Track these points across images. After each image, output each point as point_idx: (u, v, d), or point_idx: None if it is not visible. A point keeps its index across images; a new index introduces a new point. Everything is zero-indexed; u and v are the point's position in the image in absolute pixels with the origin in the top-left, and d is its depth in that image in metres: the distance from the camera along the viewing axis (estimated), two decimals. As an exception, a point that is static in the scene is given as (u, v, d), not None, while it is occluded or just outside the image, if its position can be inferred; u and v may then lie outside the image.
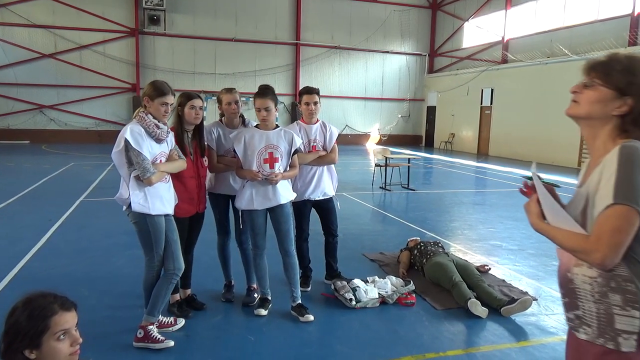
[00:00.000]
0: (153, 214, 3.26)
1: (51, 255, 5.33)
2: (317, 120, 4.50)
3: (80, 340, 1.63)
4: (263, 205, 3.80)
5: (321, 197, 4.46)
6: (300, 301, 3.95)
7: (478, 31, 22.25)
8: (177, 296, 3.96)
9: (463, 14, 23.28)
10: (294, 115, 23.21)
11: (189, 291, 4.06)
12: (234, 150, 3.79)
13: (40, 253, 5.38)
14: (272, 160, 3.80)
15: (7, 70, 20.01)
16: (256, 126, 3.90)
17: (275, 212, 3.87)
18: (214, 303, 4.13)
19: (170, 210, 3.43)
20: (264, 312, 3.92)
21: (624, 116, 1.52)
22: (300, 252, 4.45)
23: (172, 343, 3.34)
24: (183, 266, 3.49)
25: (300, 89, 4.53)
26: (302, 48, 23.65)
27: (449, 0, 24.22)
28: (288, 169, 3.91)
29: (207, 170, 3.98)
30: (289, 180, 4.00)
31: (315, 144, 4.43)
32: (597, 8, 16.19)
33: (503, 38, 20.47)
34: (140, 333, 3.33)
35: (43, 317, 1.54)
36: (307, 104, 4.41)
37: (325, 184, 4.46)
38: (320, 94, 4.56)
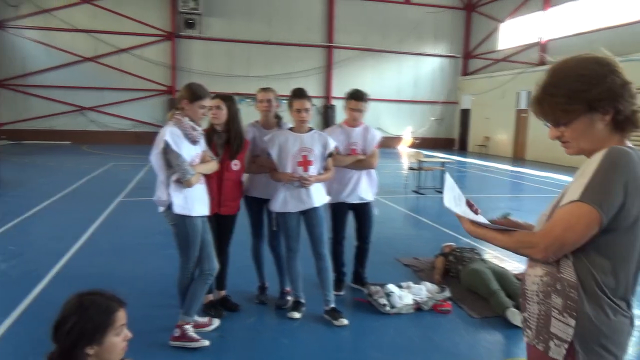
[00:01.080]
0: (193, 215, 3.32)
1: (91, 253, 5.48)
2: (361, 124, 4.46)
3: (130, 335, 1.69)
4: (297, 208, 3.81)
5: (357, 201, 4.40)
6: (334, 305, 3.93)
7: (514, 32, 21.76)
8: (210, 296, 4.01)
9: (499, 15, 22.81)
10: (326, 117, 23.24)
11: (223, 292, 4.10)
12: (268, 154, 3.82)
13: (80, 251, 5.54)
14: (306, 163, 3.81)
15: (51, 73, 20.79)
16: (290, 129, 3.92)
17: (308, 215, 3.88)
18: (248, 305, 4.16)
19: (207, 211, 3.48)
20: (297, 315, 3.92)
21: (615, 118, 1.46)
22: (335, 255, 4.43)
23: (207, 342, 3.38)
24: (217, 266, 3.53)
25: (348, 92, 4.46)
26: (335, 50, 23.67)
27: (485, 1, 23.79)
28: (322, 172, 3.92)
29: (240, 173, 3.97)
30: (323, 183, 3.99)
31: (355, 147, 4.38)
32: (642, 8, 15.59)
33: (541, 39, 19.96)
34: (177, 332, 3.38)
35: (109, 313, 1.61)
36: (355, 110, 4.36)
37: (362, 188, 4.40)
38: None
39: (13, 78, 20.61)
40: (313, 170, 3.83)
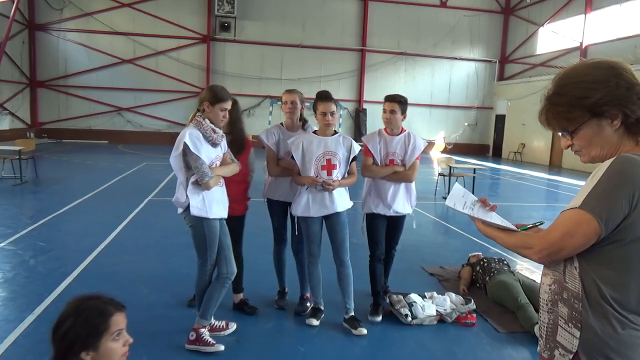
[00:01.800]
0: (210, 217, 3.30)
1: (117, 251, 5.56)
2: (403, 131, 4.07)
3: (131, 340, 1.66)
4: (319, 213, 3.74)
5: (393, 214, 4.04)
6: (353, 313, 3.84)
7: (554, 37, 21.12)
8: (240, 296, 4.03)
9: (538, 19, 22.20)
10: (357, 121, 23.11)
11: (241, 295, 4.07)
12: (292, 157, 3.77)
13: (107, 249, 5.63)
14: (330, 167, 3.74)
15: (90, 75, 21.48)
16: (314, 132, 3.85)
17: (331, 220, 3.80)
18: (267, 309, 4.11)
19: (225, 213, 3.44)
20: (315, 322, 3.84)
21: (625, 122, 1.39)
22: (373, 274, 4.09)
23: (222, 347, 3.34)
24: (235, 270, 3.50)
25: (385, 96, 4.03)
26: (368, 54, 23.54)
27: (523, 5, 23.18)
28: (346, 175, 3.84)
29: (242, 174, 3.89)
30: (346, 188, 3.91)
31: (393, 157, 4.00)
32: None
33: (581, 44, 19.29)
34: (192, 335, 3.35)
35: (104, 318, 1.57)
36: (391, 111, 3.95)
37: (399, 202, 4.02)
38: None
39: (55, 79, 21.40)
40: (337, 174, 3.75)
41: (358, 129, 22.86)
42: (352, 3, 23.22)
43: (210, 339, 3.35)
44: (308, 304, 4.13)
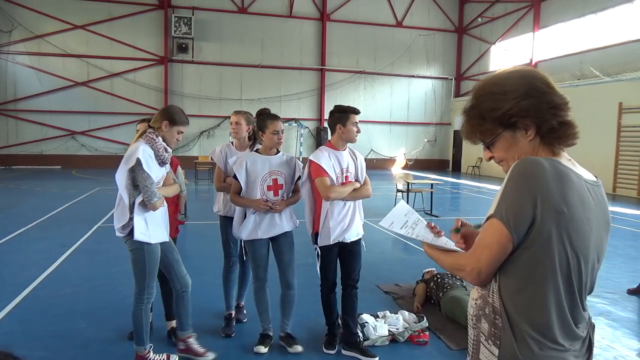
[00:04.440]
0: (152, 242, 3.17)
1: (58, 282, 5.25)
2: (346, 148, 3.74)
3: None
4: (267, 234, 3.62)
5: (354, 238, 3.67)
6: (289, 331, 3.76)
7: (505, 54, 21.89)
8: (173, 323, 3.86)
9: (490, 37, 22.99)
10: (319, 140, 23.16)
11: (173, 323, 3.88)
12: (234, 177, 3.63)
13: (47, 280, 5.30)
14: (276, 187, 3.64)
15: (42, 98, 20.75)
16: (257, 150, 3.74)
17: (278, 241, 3.69)
18: (211, 338, 3.91)
19: (166, 237, 3.34)
20: (263, 349, 3.69)
21: (539, 132, 1.36)
22: (329, 305, 3.77)
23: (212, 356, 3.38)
24: (189, 281, 3.46)
25: (349, 107, 3.69)
26: (327, 73, 23.74)
27: (475, 24, 24.00)
28: (291, 194, 3.76)
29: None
30: (291, 211, 3.80)
31: (348, 174, 3.65)
32: (631, 28, 15.64)
33: (531, 60, 20.04)
34: (181, 345, 3.47)
35: None
36: (357, 124, 3.65)
37: (357, 222, 3.70)
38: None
39: (3, 103, 20.56)
40: (283, 193, 3.66)
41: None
42: (310, 23, 23.46)
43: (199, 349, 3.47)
44: (245, 312, 4.18)
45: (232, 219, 3.93)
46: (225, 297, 4.16)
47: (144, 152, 3.05)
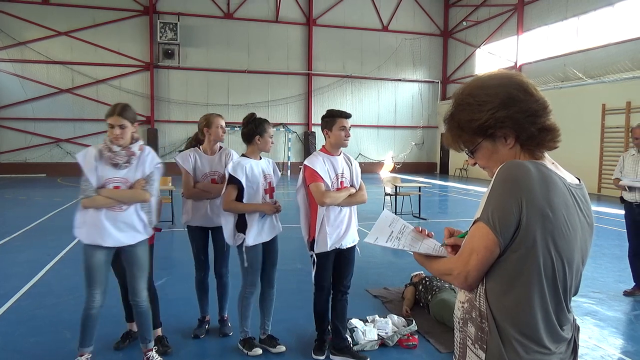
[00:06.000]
0: (84, 243, 3.19)
1: (42, 293, 5.15)
2: (340, 153, 3.70)
3: None
4: (269, 236, 3.72)
5: (351, 244, 3.65)
6: (270, 332, 3.80)
7: (490, 57, 22.13)
8: (159, 331, 3.84)
9: (474, 41, 23.22)
10: (306, 144, 23.15)
11: (159, 331, 3.84)
12: (235, 182, 3.53)
13: (30, 291, 5.21)
14: (271, 190, 3.76)
15: (26, 106, 20.49)
16: (243, 155, 3.74)
17: (270, 243, 3.77)
18: (189, 344, 3.87)
19: (102, 242, 3.18)
20: (259, 350, 3.71)
21: (518, 139, 1.36)
22: (322, 311, 3.70)
23: None
24: (141, 297, 3.36)
25: (339, 111, 3.67)
26: (314, 78, 23.78)
27: (460, 28, 24.23)
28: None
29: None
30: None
31: (343, 180, 3.60)
32: (612, 31, 15.91)
33: (516, 63, 20.28)
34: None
35: None
36: (349, 128, 3.61)
37: (353, 228, 3.66)
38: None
39: (-14, 111, 20.27)
40: (274, 195, 3.80)
41: (308, 153, 22.88)
42: (296, 28, 23.50)
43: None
44: (229, 324, 4.13)
45: (201, 228, 3.98)
46: (199, 303, 4.19)
47: (86, 152, 3.17)
